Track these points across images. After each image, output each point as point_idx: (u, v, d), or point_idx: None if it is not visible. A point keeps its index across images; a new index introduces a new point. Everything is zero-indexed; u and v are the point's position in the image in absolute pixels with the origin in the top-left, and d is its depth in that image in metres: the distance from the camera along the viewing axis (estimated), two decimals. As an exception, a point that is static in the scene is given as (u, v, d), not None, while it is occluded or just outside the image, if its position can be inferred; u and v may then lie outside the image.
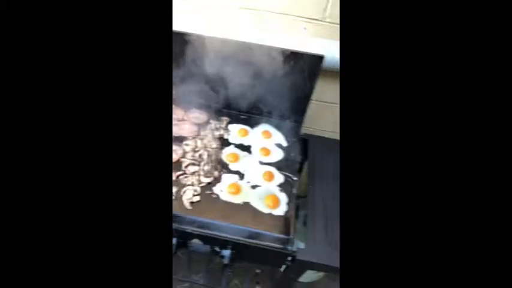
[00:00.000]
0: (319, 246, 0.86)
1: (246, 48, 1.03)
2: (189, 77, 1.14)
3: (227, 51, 1.05)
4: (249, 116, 1.26)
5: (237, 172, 1.04)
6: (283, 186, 1.02)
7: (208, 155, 1.02)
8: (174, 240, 0.85)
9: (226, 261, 0.86)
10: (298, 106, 1.18)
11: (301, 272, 0.97)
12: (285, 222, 0.90)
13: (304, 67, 1.06)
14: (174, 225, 0.83)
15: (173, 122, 1.13)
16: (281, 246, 0.84)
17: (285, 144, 1.19)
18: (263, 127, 1.24)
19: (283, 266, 0.91)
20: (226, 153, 1.09)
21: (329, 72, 1.13)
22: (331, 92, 1.24)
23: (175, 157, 1.02)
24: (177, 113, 1.18)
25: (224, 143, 1.13)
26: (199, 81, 1.16)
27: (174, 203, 0.89)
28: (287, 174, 1.06)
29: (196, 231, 0.84)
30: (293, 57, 1.03)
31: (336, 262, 0.81)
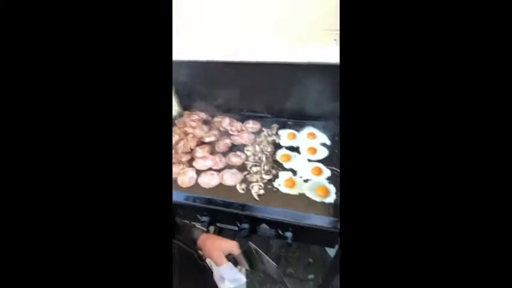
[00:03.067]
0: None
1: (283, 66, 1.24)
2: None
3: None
4: (295, 121, 1.49)
5: (291, 169, 1.24)
6: (331, 179, 1.17)
7: (266, 157, 1.27)
8: (246, 226, 1.06)
9: (289, 241, 1.03)
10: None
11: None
12: (335, 208, 1.04)
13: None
14: (247, 213, 1.05)
15: (235, 133, 1.46)
16: (332, 226, 0.97)
17: (328, 143, 1.35)
18: (308, 130, 1.43)
19: (337, 246, 1.06)
20: (280, 155, 1.31)
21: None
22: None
23: (240, 160, 1.30)
24: (235, 125, 1.51)
25: (277, 146, 1.37)
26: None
27: (246, 196, 1.12)
28: (333, 168, 1.21)
29: (265, 217, 1.04)
30: (327, 69, 1.10)
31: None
